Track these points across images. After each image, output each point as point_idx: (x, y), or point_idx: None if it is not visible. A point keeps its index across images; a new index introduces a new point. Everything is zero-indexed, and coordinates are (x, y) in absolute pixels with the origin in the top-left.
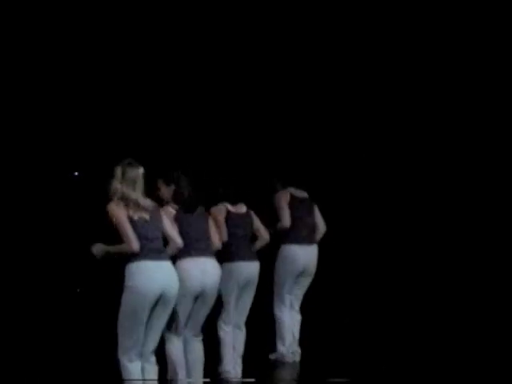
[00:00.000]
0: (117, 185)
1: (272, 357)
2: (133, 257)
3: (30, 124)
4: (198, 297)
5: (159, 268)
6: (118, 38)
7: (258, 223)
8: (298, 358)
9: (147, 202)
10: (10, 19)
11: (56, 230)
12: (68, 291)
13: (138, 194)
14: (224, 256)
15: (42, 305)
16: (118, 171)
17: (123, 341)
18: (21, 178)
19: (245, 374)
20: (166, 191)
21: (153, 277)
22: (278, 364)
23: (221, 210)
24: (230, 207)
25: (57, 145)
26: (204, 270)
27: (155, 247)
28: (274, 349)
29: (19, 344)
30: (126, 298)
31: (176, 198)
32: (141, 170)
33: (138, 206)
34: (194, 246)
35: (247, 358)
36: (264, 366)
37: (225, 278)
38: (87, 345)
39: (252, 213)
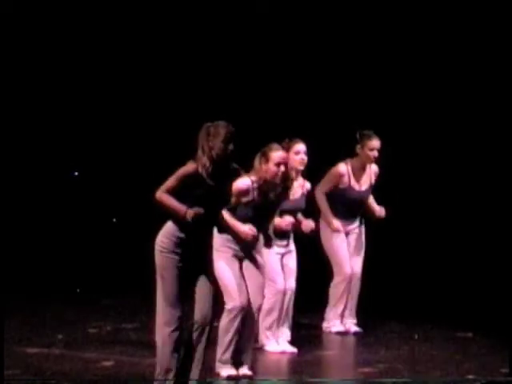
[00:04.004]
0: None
1: None
2: None
3: (30, 124)
4: None
5: None
6: (117, 38)
7: None
8: None
9: None
10: (9, 17)
11: (56, 229)
12: (69, 291)
13: None
14: None
15: (42, 305)
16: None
17: None
18: (21, 178)
19: None
20: None
21: None
22: None
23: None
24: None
25: (57, 145)
26: None
27: None
28: None
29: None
30: None
31: None
32: None
33: None
34: None
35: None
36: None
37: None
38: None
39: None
